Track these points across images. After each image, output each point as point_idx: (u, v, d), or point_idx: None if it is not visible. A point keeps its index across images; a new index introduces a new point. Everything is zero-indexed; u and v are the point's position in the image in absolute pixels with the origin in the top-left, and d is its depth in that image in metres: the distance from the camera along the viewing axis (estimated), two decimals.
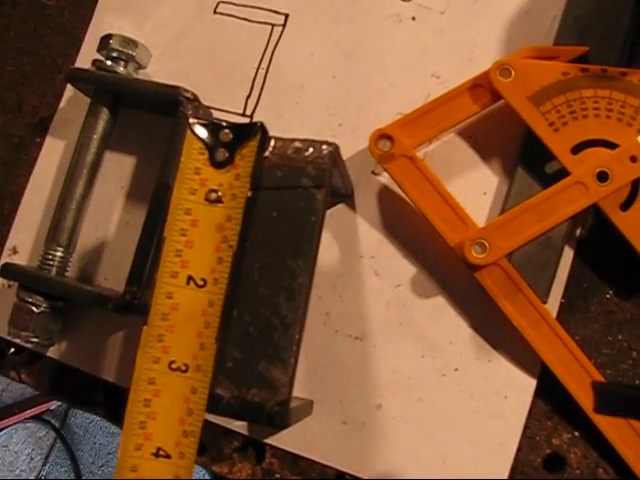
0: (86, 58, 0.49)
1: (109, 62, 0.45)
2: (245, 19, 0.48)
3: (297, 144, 0.36)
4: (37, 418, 1.31)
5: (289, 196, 0.35)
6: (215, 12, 0.49)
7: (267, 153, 0.36)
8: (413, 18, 0.46)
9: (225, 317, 0.33)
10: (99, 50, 0.46)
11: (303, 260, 0.34)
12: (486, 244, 0.39)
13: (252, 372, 0.33)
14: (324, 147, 0.36)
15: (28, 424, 1.31)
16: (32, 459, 1.29)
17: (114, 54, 0.45)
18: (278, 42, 0.47)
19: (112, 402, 0.46)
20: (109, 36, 0.45)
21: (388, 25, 0.46)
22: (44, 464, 1.29)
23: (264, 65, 0.47)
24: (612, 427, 0.39)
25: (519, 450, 0.40)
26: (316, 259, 0.34)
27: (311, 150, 0.36)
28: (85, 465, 1.27)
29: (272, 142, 0.36)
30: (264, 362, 0.33)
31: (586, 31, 0.42)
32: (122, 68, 0.46)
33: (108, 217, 0.47)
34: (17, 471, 1.29)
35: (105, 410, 0.46)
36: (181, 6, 0.49)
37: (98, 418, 1.26)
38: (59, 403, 1.30)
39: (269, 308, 0.33)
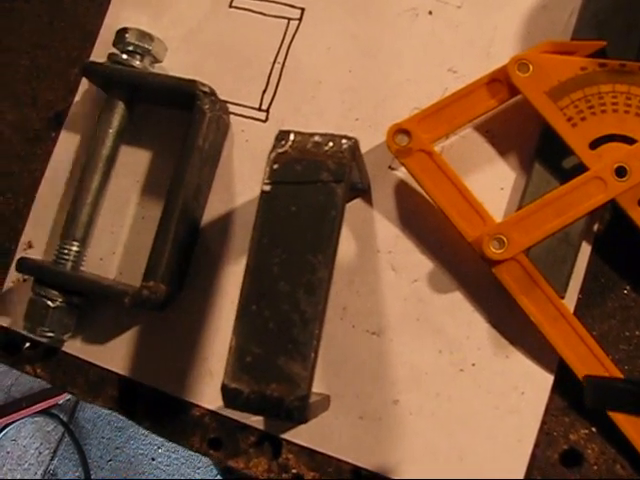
0: (101, 52, 0.49)
1: (125, 56, 0.45)
2: (261, 13, 0.48)
3: (317, 138, 0.36)
4: (45, 412, 1.31)
5: (309, 191, 0.35)
6: (231, 6, 0.49)
7: (287, 147, 0.35)
8: (430, 12, 0.46)
9: (244, 312, 0.33)
10: (115, 44, 0.46)
11: (323, 255, 0.33)
12: (504, 239, 0.39)
13: (271, 367, 0.33)
14: (344, 141, 0.35)
15: (36, 418, 1.31)
16: (40, 453, 1.29)
17: (130, 48, 0.45)
18: (294, 36, 0.47)
19: (127, 396, 0.46)
20: (125, 30, 0.45)
21: (405, 19, 0.46)
22: (52, 458, 1.29)
23: (280, 59, 0.47)
24: (629, 423, 0.39)
25: (536, 446, 0.40)
26: (335, 254, 0.34)
27: (331, 144, 0.35)
28: (93, 459, 1.27)
29: (292, 136, 0.36)
30: (284, 357, 0.33)
31: (604, 25, 0.42)
32: (138, 62, 0.45)
33: (123, 211, 0.47)
34: (25, 465, 1.29)
35: (119, 404, 0.46)
36: (197, 0, 0.49)
37: (106, 412, 1.26)
38: (67, 397, 1.31)
39: (289, 303, 0.33)
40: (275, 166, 0.35)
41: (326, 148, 0.35)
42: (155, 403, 0.45)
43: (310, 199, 0.34)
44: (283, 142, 0.36)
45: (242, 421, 0.43)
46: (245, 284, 0.34)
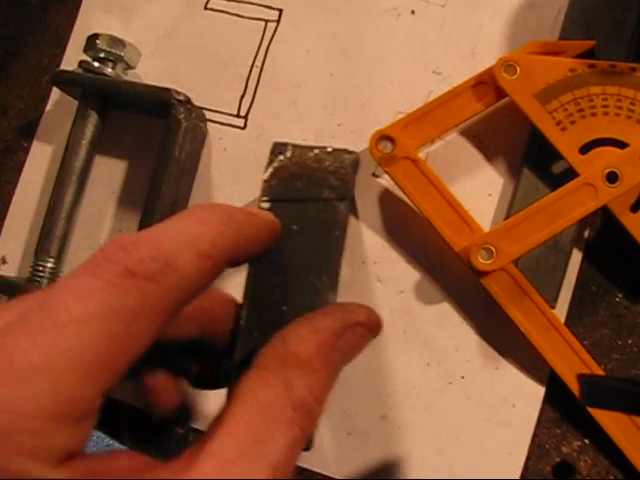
0: (73, 58, 0.47)
1: (96, 63, 0.44)
2: (237, 15, 0.46)
3: (317, 152, 0.34)
4: None
5: (310, 209, 0.33)
6: (206, 8, 0.47)
7: (285, 162, 0.34)
8: (412, 12, 0.44)
9: (245, 340, 0.31)
10: (86, 50, 0.44)
11: (327, 277, 0.32)
12: (493, 249, 0.38)
13: None
14: (346, 156, 0.34)
15: None
16: None
17: (101, 55, 0.44)
18: (272, 39, 0.46)
19: (109, 415, 0.44)
20: (96, 36, 0.44)
21: (386, 19, 0.44)
22: None
23: (258, 63, 0.46)
24: (611, 420, 0.38)
25: (528, 459, 0.40)
26: (339, 275, 0.33)
27: (332, 159, 0.34)
28: None
29: (289, 150, 0.34)
30: None
31: (593, 24, 0.40)
32: (110, 69, 0.44)
33: (100, 225, 0.46)
34: None
35: (101, 423, 0.44)
36: (170, 2, 0.47)
37: None
38: None
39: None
40: (273, 182, 0.33)
41: (327, 163, 0.34)
42: (138, 421, 0.44)
43: (312, 218, 0.32)
44: (281, 156, 0.34)
45: None
46: (244, 309, 0.32)
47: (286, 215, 0.32)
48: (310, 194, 0.33)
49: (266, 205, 0.33)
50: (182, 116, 0.41)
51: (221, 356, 0.32)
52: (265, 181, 0.33)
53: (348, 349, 0.28)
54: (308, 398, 0.24)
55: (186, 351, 0.31)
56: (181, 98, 0.41)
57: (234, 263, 0.26)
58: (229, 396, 0.24)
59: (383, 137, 0.40)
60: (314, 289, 0.31)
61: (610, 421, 0.38)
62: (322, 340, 0.26)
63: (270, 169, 0.33)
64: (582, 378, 0.34)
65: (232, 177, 0.45)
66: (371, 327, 0.29)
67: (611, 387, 0.32)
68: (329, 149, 0.34)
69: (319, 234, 0.32)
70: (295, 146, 0.34)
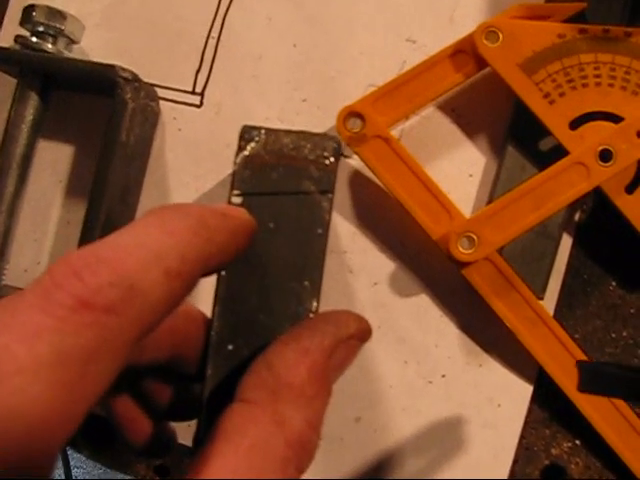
0: (11, 33, 0.43)
1: (34, 38, 0.40)
2: None
3: (293, 137, 0.30)
4: None
5: (288, 203, 0.29)
6: None
7: (258, 149, 0.30)
8: None
9: (217, 352, 0.28)
10: (22, 24, 0.40)
11: (310, 281, 0.28)
12: (474, 238, 0.35)
13: None
14: (327, 143, 0.30)
15: None
16: None
17: (40, 28, 0.40)
18: (230, 5, 0.42)
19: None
20: (32, 7, 0.40)
21: None
22: None
23: (214, 33, 0.42)
24: (613, 430, 0.36)
25: (515, 462, 0.38)
26: (322, 279, 0.29)
27: (312, 146, 0.30)
28: (76, 460, 1.25)
29: (262, 134, 0.30)
30: None
31: None
32: (50, 45, 0.40)
33: (46, 217, 0.43)
34: None
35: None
36: None
37: None
38: None
39: (272, 340, 0.28)
40: (245, 173, 0.29)
41: (306, 151, 0.30)
42: (96, 429, 0.41)
43: (291, 214, 0.29)
44: (253, 143, 0.30)
45: (190, 446, 0.40)
46: (216, 318, 0.28)
47: (261, 211, 0.29)
48: (288, 186, 0.29)
49: (238, 200, 0.29)
50: (128, 95, 0.37)
51: (193, 379, 0.29)
52: (235, 172, 0.29)
53: (341, 365, 0.25)
54: (304, 431, 0.22)
55: (155, 376, 0.29)
56: (127, 75, 0.37)
57: (205, 274, 0.23)
58: (213, 433, 0.22)
59: (352, 114, 0.37)
60: (295, 295, 0.28)
61: (602, 420, 0.36)
62: (314, 363, 0.23)
63: (240, 158, 0.30)
64: (581, 364, 0.33)
65: (189, 160, 0.41)
66: (362, 337, 0.26)
67: (610, 374, 0.31)
68: (307, 134, 0.30)
69: (299, 232, 0.29)
70: (269, 130, 0.30)
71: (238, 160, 0.29)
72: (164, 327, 0.24)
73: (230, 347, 0.28)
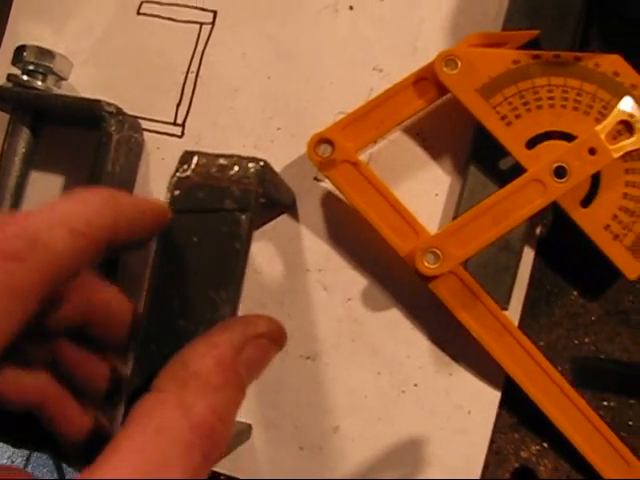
0: (3, 72, 0.45)
1: (25, 77, 0.42)
2: (170, 19, 0.44)
3: (222, 161, 0.32)
4: None
5: (211, 220, 0.31)
6: (139, 13, 0.45)
7: (189, 172, 0.32)
8: (351, 7, 0.42)
9: (142, 351, 0.30)
10: (14, 63, 0.42)
11: (226, 291, 0.30)
12: (439, 253, 0.37)
13: None
14: (250, 165, 0.32)
15: None
16: (13, 462, 1.28)
17: (30, 67, 0.42)
18: (207, 42, 0.44)
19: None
20: (23, 47, 0.42)
21: (324, 17, 0.42)
22: (26, 465, 1.28)
23: (194, 68, 0.44)
24: (577, 432, 0.37)
25: (486, 466, 0.39)
26: (241, 289, 0.31)
27: (236, 168, 0.32)
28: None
29: (195, 159, 0.33)
30: None
31: (537, 12, 0.39)
32: (40, 82, 0.42)
33: None
34: None
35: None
36: (102, 8, 0.46)
37: None
38: None
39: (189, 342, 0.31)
40: (176, 192, 0.32)
41: (231, 172, 0.32)
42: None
43: (212, 230, 0.31)
44: (185, 166, 0.33)
45: None
46: (144, 321, 0.31)
47: (187, 226, 0.31)
48: (211, 205, 0.32)
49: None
50: (113, 128, 0.39)
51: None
52: (169, 191, 0.32)
53: (252, 363, 0.26)
54: (209, 418, 0.23)
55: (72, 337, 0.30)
56: (112, 109, 0.40)
57: (116, 247, 0.25)
58: (126, 419, 0.23)
59: (321, 140, 0.39)
60: (212, 304, 0.30)
61: (567, 423, 0.37)
62: (221, 355, 0.25)
63: (174, 179, 0.32)
64: (576, 360, 0.33)
65: None
66: (273, 338, 0.28)
67: (605, 369, 0.31)
68: (235, 158, 0.32)
69: (219, 246, 0.31)
70: (202, 154, 0.32)
71: (172, 181, 0.32)
72: (82, 293, 0.28)
73: (153, 347, 0.30)
